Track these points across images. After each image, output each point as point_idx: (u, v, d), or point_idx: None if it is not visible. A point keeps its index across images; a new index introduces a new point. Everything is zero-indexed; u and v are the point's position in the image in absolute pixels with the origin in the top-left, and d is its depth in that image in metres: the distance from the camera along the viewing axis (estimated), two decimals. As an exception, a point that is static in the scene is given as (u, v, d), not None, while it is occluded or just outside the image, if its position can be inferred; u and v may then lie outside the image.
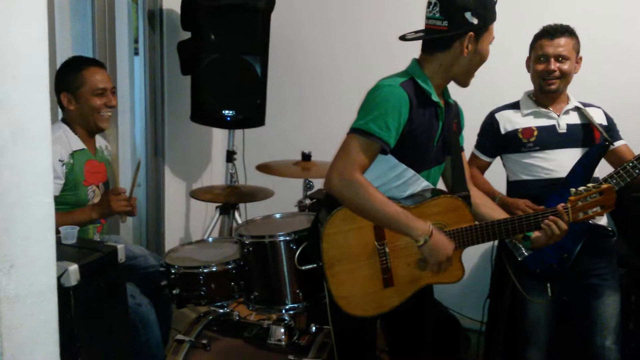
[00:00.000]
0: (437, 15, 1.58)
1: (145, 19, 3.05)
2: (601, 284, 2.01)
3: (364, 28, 3.25)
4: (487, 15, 1.59)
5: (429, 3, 1.61)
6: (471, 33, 1.57)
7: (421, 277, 1.68)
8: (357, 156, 1.54)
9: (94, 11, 2.65)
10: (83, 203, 2.13)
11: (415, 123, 1.60)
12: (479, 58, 1.62)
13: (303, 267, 1.81)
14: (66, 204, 2.06)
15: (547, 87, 2.01)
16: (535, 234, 1.69)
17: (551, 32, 1.99)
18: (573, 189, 1.68)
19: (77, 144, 2.14)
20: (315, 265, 1.72)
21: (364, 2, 3.25)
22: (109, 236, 2.43)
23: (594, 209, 1.65)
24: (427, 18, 1.62)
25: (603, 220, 2.03)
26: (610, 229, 2.03)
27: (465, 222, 1.66)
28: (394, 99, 1.55)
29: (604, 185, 1.66)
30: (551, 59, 1.97)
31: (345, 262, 1.64)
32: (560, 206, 1.66)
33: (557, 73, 1.98)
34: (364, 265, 1.65)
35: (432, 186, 1.70)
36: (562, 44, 1.97)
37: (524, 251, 2.00)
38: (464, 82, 1.67)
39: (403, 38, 1.67)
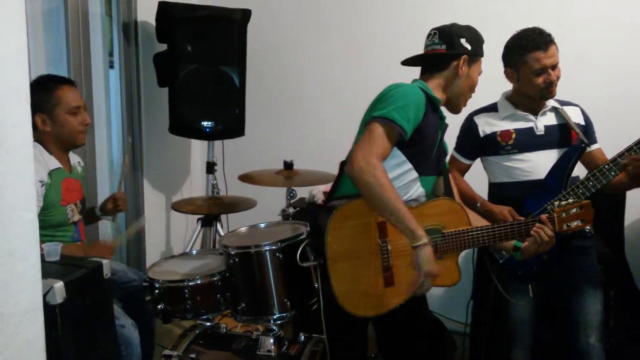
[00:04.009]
0: (437, 40, 1.81)
1: (120, 31, 3.02)
2: (583, 283, 2.05)
3: (340, 37, 3.27)
4: (479, 46, 1.83)
5: (429, 35, 1.85)
6: (465, 56, 1.78)
7: None
8: (380, 142, 1.61)
9: (68, 25, 2.61)
10: (63, 223, 2.09)
11: (426, 125, 1.71)
12: (470, 83, 1.82)
13: (304, 264, 1.80)
14: (46, 227, 2.02)
15: (549, 95, 2.04)
16: (525, 244, 1.78)
17: (544, 44, 1.99)
18: (557, 202, 1.78)
19: (54, 162, 2.10)
20: (315, 262, 1.72)
21: (340, 12, 3.28)
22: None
23: (575, 222, 1.78)
24: (427, 46, 1.85)
25: None
26: (588, 229, 2.07)
27: (462, 225, 1.73)
28: (415, 95, 1.69)
29: (584, 201, 1.78)
30: (549, 69, 1.99)
31: (348, 258, 1.66)
32: (543, 216, 1.77)
33: (557, 80, 2.02)
34: (366, 263, 1.67)
35: (426, 193, 1.78)
36: (554, 53, 2.00)
37: (504, 253, 2.03)
38: (456, 106, 1.85)
39: (404, 62, 1.87)
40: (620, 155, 1.89)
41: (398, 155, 1.71)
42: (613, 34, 2.80)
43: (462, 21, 1.85)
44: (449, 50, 1.79)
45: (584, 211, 1.78)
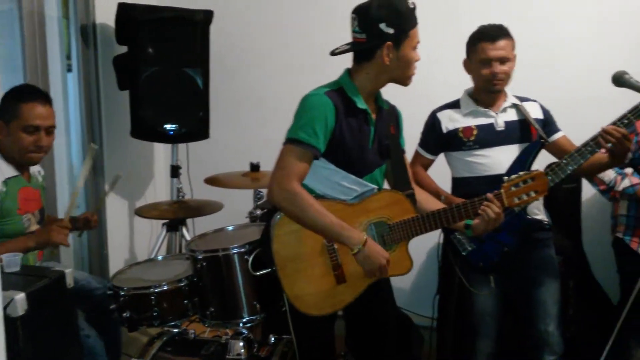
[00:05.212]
0: (357, 28, 1.69)
1: (78, 34, 2.95)
2: (541, 274, 2.12)
3: (302, 37, 3.28)
4: (404, 23, 1.66)
5: (351, 17, 1.71)
6: (389, 43, 1.65)
7: None
8: (292, 166, 1.62)
9: (23, 28, 2.53)
10: (19, 233, 2.02)
11: (345, 129, 1.68)
12: (404, 63, 1.69)
13: (257, 273, 1.81)
14: (0, 236, 1.95)
15: (493, 89, 2.09)
16: (475, 222, 1.77)
17: (492, 35, 2.04)
18: (506, 177, 1.76)
19: (10, 171, 2.04)
20: (269, 270, 1.73)
21: (302, 13, 3.29)
22: (47, 263, 2.31)
23: (529, 194, 1.72)
24: (352, 32, 1.72)
25: (540, 215, 2.14)
26: (546, 222, 2.14)
27: (409, 214, 1.74)
28: (319, 106, 1.65)
29: (535, 171, 1.74)
30: (495, 62, 2.04)
31: (297, 262, 1.68)
32: (489, 194, 1.75)
33: (502, 75, 2.06)
34: (315, 264, 1.69)
35: (377, 187, 1.77)
36: (502, 47, 2.04)
37: (467, 246, 2.09)
38: (402, 84, 1.76)
39: (333, 53, 1.75)
40: (587, 144, 1.91)
41: (327, 166, 1.70)
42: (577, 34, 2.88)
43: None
44: (369, 40, 1.66)
45: (536, 182, 1.71)
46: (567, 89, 2.84)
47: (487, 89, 2.10)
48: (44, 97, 2.08)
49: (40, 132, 2.03)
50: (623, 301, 2.23)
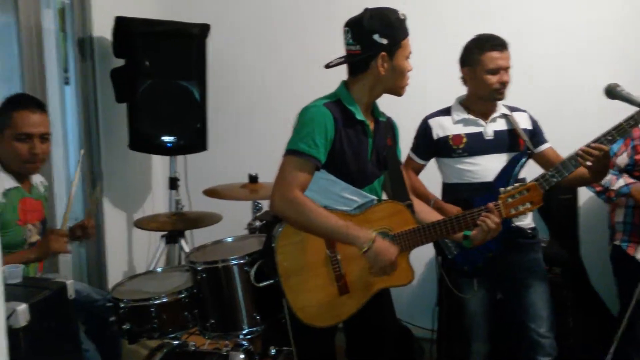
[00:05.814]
0: (351, 41, 1.72)
1: (75, 47, 2.95)
2: (528, 277, 2.14)
3: (299, 49, 3.31)
4: (396, 34, 1.69)
5: (344, 31, 1.74)
6: (383, 53, 1.68)
7: (375, 281, 1.73)
8: (294, 176, 1.63)
9: (21, 41, 2.54)
10: (20, 244, 2.01)
11: (344, 140, 1.69)
12: (398, 73, 1.72)
13: (260, 284, 1.80)
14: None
15: (499, 97, 2.13)
16: (473, 232, 1.78)
17: (500, 45, 2.10)
18: (502, 188, 1.78)
19: (10, 182, 2.03)
20: (272, 281, 1.72)
21: (298, 25, 3.32)
22: (46, 274, 2.29)
23: (525, 205, 1.75)
24: (345, 44, 1.75)
25: (524, 223, 2.16)
26: (529, 229, 2.17)
27: (409, 225, 1.75)
28: (318, 118, 1.66)
29: (530, 183, 1.77)
30: (502, 71, 2.09)
31: (300, 273, 1.68)
32: (490, 204, 1.76)
33: (507, 84, 2.11)
34: (319, 274, 1.69)
35: (376, 198, 1.79)
36: (508, 57, 2.10)
37: (453, 250, 2.11)
38: (397, 94, 1.79)
39: (328, 66, 1.77)
40: (571, 157, 1.92)
41: (327, 177, 1.71)
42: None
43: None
44: (364, 51, 1.69)
45: (530, 193, 1.74)
46: (554, 100, 2.87)
47: (491, 98, 2.13)
48: (36, 105, 2.06)
49: (33, 140, 2.02)
50: (622, 311, 2.23)
